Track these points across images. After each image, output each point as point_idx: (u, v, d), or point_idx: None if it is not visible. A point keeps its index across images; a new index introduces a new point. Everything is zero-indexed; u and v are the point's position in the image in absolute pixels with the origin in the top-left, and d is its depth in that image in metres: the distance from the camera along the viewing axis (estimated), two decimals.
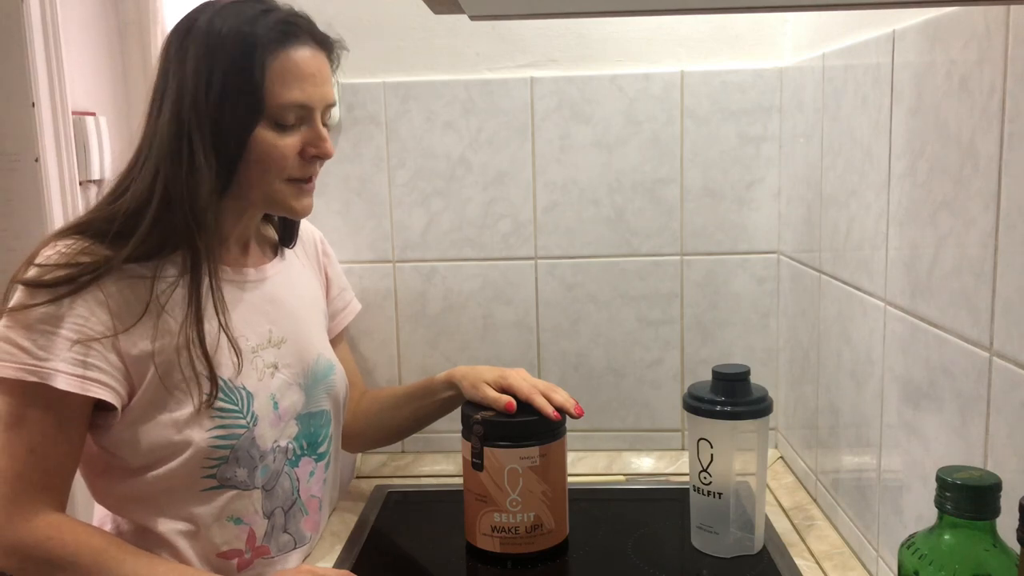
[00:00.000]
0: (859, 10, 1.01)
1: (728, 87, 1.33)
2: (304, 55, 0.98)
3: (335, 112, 1.35)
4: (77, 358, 0.92)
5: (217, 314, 0.98)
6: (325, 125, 1.03)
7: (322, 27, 1.03)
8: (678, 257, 1.38)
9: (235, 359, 1.00)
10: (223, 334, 0.99)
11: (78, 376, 0.91)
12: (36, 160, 1.17)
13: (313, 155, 1.00)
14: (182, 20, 0.98)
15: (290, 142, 0.98)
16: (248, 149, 0.96)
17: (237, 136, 0.96)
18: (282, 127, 0.98)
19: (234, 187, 0.99)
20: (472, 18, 0.63)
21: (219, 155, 0.95)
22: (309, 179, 1.03)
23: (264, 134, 0.97)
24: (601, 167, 1.36)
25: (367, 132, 1.37)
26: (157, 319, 0.96)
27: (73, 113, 1.24)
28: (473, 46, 1.35)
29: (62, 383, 0.91)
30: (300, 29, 0.99)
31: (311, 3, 1.34)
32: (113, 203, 0.98)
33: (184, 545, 0.98)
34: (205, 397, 0.96)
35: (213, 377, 0.96)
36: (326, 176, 1.38)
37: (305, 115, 0.99)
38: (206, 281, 0.97)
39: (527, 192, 1.37)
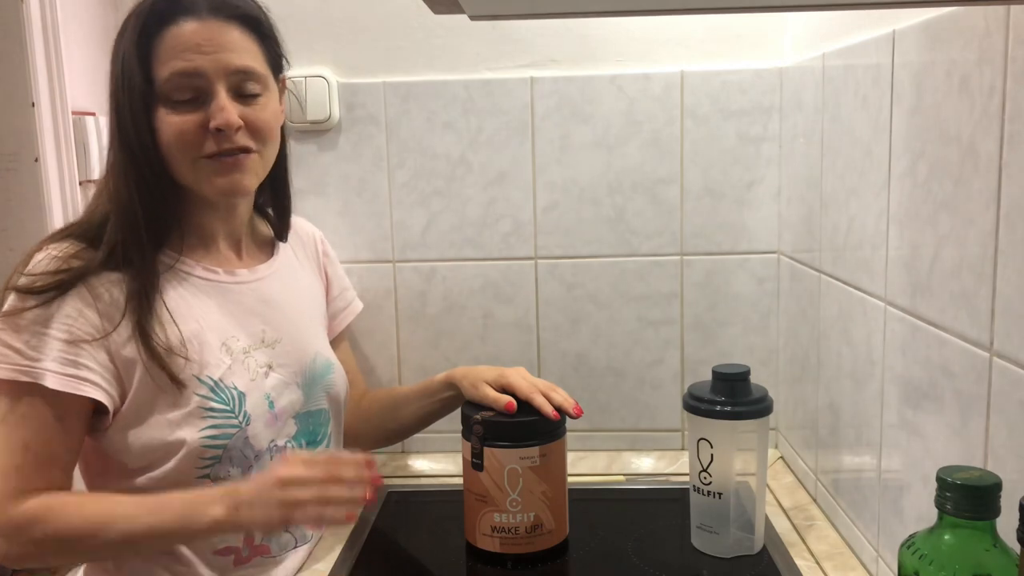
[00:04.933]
0: (859, 10, 1.01)
1: (728, 87, 1.33)
2: (187, 27, 0.96)
3: (336, 111, 1.35)
4: (67, 358, 0.92)
5: (170, 314, 0.98)
6: (251, 95, 0.99)
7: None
8: (678, 257, 1.38)
9: (224, 359, 0.99)
10: (179, 333, 0.98)
11: (68, 376, 0.92)
12: (36, 160, 1.18)
13: (215, 127, 0.96)
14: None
15: (189, 118, 0.96)
16: (157, 134, 0.97)
17: (139, 121, 0.96)
18: (177, 104, 0.96)
19: (173, 176, 0.99)
20: (472, 18, 0.63)
21: (134, 144, 0.96)
22: (230, 153, 0.98)
23: (161, 115, 0.96)
24: (601, 167, 1.36)
25: (367, 132, 1.37)
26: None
27: (73, 113, 1.24)
28: (473, 46, 1.35)
29: (52, 382, 0.91)
30: (183, 3, 0.96)
31: (312, 4, 1.35)
32: (96, 205, 1.00)
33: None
34: (181, 391, 0.96)
35: (172, 375, 0.95)
36: (326, 176, 1.38)
37: (203, 86, 0.97)
38: (154, 280, 0.97)
39: (527, 192, 1.37)
